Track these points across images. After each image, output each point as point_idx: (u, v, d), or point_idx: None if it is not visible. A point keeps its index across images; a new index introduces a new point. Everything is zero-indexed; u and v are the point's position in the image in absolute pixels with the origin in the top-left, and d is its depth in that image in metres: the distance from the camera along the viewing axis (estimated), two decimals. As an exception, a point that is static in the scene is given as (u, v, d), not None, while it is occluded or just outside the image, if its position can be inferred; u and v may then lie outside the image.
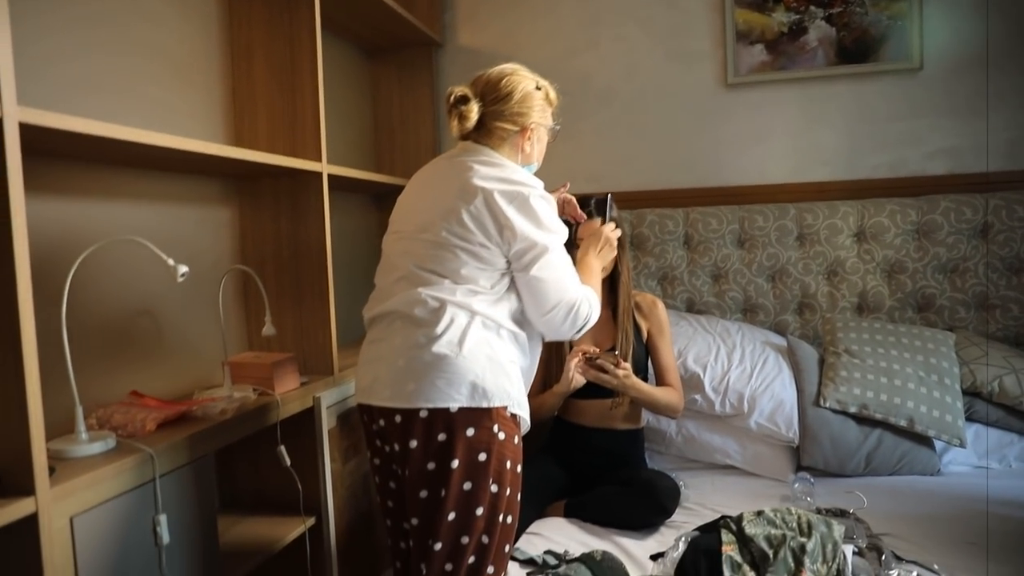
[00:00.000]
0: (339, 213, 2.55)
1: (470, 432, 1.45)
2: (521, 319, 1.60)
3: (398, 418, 1.47)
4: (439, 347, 1.45)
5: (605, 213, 1.92)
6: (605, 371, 1.96)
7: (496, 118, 1.61)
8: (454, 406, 1.44)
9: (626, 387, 2.00)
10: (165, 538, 1.40)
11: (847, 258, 2.61)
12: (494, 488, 1.48)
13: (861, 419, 2.20)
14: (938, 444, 2.21)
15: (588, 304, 1.60)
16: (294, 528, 1.88)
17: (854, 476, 2.18)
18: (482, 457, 1.46)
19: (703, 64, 2.81)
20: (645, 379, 2.14)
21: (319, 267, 2.11)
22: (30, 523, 1.11)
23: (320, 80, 2.09)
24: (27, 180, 1.13)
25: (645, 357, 2.19)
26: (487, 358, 1.48)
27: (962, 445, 2.16)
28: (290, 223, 2.13)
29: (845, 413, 2.20)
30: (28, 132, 1.15)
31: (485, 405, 1.46)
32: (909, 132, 2.63)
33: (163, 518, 1.40)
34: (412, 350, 1.47)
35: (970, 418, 2.25)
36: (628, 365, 1.98)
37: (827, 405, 2.20)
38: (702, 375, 2.31)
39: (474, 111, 1.59)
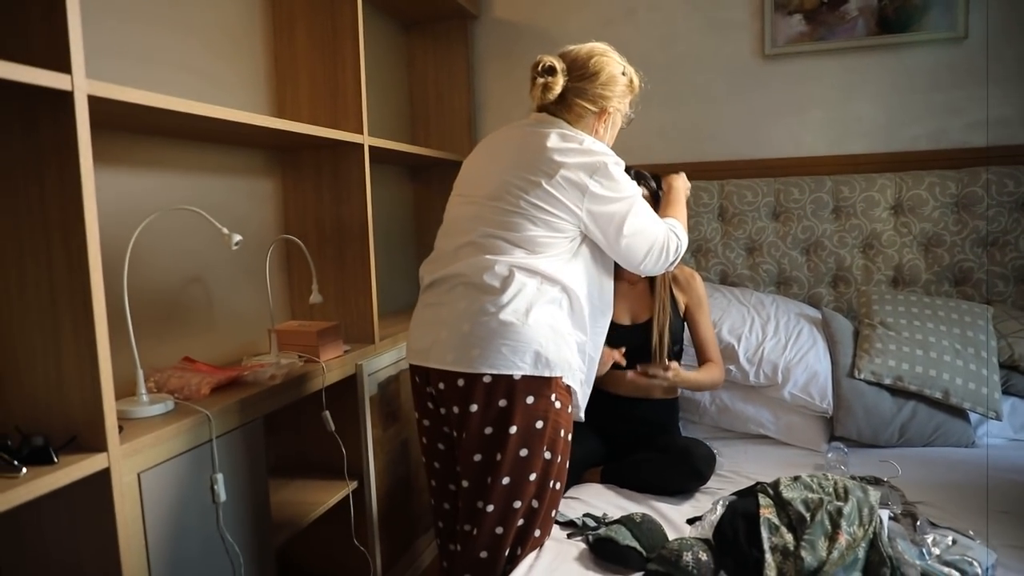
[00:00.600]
0: (375, 185, 2.58)
1: (530, 400, 1.48)
2: (588, 284, 1.63)
3: (460, 382, 1.50)
4: (506, 315, 1.47)
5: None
6: (656, 377, 2.00)
7: (578, 95, 1.63)
8: (518, 373, 1.47)
9: (677, 384, 2.10)
10: (222, 496, 1.46)
11: (883, 231, 2.59)
12: (547, 455, 1.52)
13: (896, 391, 2.20)
14: (973, 417, 2.21)
15: (676, 238, 1.68)
16: (338, 492, 1.95)
17: (888, 447, 2.18)
18: (539, 425, 1.49)
19: (740, 35, 2.78)
20: (681, 350, 2.17)
21: (360, 237, 2.15)
22: (103, 477, 1.18)
23: (361, 52, 2.11)
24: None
25: (681, 329, 2.21)
26: (550, 328, 1.50)
27: (998, 418, 2.16)
28: (331, 194, 2.17)
29: (880, 385, 2.20)
30: (91, 104, 1.18)
31: (547, 374, 1.49)
32: (951, 103, 2.59)
33: (220, 477, 1.46)
34: (478, 316, 1.49)
35: (1007, 391, 2.24)
36: (675, 365, 2.01)
37: (861, 377, 2.20)
38: (736, 346, 2.33)
39: (560, 83, 1.61)
